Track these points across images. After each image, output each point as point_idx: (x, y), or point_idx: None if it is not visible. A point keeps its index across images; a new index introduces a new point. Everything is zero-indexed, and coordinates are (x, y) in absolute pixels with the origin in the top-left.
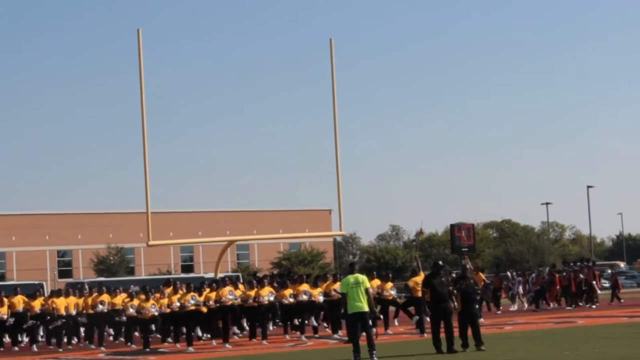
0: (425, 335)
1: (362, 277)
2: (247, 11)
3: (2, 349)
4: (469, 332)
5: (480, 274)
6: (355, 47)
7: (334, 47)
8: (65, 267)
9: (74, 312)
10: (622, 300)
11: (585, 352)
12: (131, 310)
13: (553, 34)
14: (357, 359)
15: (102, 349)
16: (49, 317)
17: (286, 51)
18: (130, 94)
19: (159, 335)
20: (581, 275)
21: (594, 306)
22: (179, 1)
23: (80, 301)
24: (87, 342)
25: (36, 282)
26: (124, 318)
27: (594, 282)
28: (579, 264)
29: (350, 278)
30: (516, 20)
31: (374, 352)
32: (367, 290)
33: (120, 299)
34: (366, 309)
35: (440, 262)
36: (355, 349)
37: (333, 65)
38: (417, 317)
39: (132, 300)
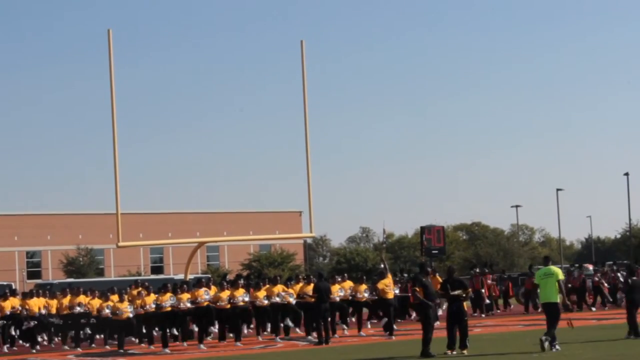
0: (393, 337)
1: (555, 269)
2: (216, 14)
3: None
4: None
5: (437, 276)
6: (326, 49)
7: (305, 49)
8: (34, 268)
9: (44, 312)
10: (511, 307)
11: (553, 354)
12: (106, 311)
13: (523, 37)
14: (550, 345)
15: (79, 350)
16: (10, 320)
17: (257, 53)
18: (99, 96)
19: (133, 338)
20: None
21: (483, 315)
22: (153, 4)
23: (54, 302)
24: (62, 343)
25: (4, 283)
26: (92, 320)
27: (482, 290)
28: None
29: (543, 269)
30: (485, 21)
31: (555, 343)
32: (559, 282)
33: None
34: (554, 299)
35: (427, 262)
36: (546, 337)
37: (304, 67)
38: (386, 319)
39: (106, 301)
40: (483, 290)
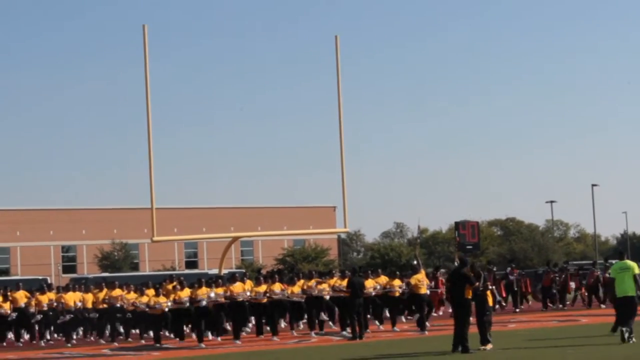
0: (426, 332)
1: (631, 263)
2: (250, 8)
3: (4, 344)
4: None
5: None
6: (361, 44)
7: (339, 44)
8: (69, 263)
9: (80, 306)
10: (523, 306)
11: (588, 350)
12: (142, 306)
13: (556, 33)
14: (628, 337)
15: (115, 344)
16: (51, 313)
17: (291, 48)
18: (134, 89)
19: (167, 333)
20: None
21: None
22: (183, 2)
23: (89, 296)
24: (99, 337)
25: (40, 278)
26: (128, 314)
27: (492, 287)
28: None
29: (618, 263)
30: (518, 19)
31: (632, 335)
32: (635, 276)
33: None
34: (631, 293)
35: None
36: (626, 328)
37: (338, 62)
38: (418, 315)
39: (141, 295)
40: (493, 287)
